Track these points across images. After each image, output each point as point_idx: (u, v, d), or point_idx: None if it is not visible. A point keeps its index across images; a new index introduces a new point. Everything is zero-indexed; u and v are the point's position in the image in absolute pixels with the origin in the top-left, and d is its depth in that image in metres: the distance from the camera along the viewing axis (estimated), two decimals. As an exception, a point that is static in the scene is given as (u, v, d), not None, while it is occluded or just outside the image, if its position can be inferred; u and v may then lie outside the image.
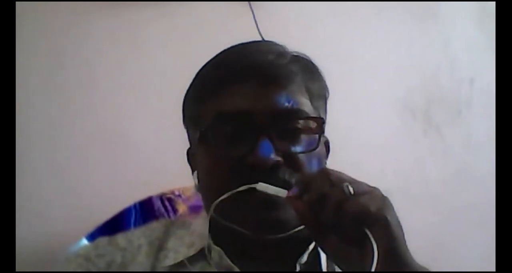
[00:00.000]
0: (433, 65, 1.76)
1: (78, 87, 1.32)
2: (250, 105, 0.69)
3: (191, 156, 0.79)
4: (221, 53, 0.76)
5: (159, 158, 1.33)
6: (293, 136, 0.70)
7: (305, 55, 0.77)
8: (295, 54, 0.75)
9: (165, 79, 1.37)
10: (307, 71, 0.75)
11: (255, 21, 1.43)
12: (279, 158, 0.67)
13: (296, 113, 0.71)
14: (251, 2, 1.45)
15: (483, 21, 1.81)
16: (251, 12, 1.44)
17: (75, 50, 1.32)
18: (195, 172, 0.76)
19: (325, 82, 0.78)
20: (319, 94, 0.76)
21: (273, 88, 0.70)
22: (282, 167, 0.67)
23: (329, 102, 0.80)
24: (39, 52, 1.29)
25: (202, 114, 0.73)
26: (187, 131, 0.79)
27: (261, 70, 0.70)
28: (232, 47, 0.76)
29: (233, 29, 1.41)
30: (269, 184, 0.65)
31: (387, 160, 1.64)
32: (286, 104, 0.70)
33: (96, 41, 1.34)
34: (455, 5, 1.78)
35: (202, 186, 0.74)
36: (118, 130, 1.34)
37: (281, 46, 0.76)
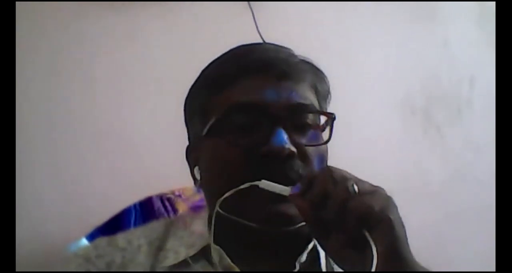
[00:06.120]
0: (433, 65, 1.76)
1: (78, 87, 1.32)
2: (267, 97, 0.71)
3: (191, 152, 0.79)
4: (233, 49, 0.77)
5: (159, 158, 1.33)
6: (304, 130, 0.72)
7: (310, 59, 0.79)
8: (302, 57, 0.78)
9: (165, 79, 1.37)
10: (315, 72, 0.77)
11: (255, 21, 1.43)
12: (294, 149, 0.68)
13: (309, 109, 0.73)
14: (251, 2, 1.45)
15: (483, 21, 1.82)
16: (251, 12, 1.44)
17: (75, 50, 1.32)
18: (196, 168, 0.76)
19: (329, 85, 0.80)
20: (324, 95, 0.78)
21: (288, 83, 0.72)
22: (296, 159, 0.68)
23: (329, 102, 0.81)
24: (38, 52, 1.29)
25: (216, 103, 0.73)
26: (189, 125, 0.79)
27: (277, 65, 0.72)
28: (244, 45, 0.78)
29: (233, 29, 1.41)
30: (284, 174, 0.66)
31: (387, 160, 1.64)
32: (301, 99, 0.72)
33: (96, 41, 1.34)
34: (455, 5, 1.79)
35: (207, 180, 0.74)
36: (118, 130, 1.34)
37: (287, 48, 0.78)
